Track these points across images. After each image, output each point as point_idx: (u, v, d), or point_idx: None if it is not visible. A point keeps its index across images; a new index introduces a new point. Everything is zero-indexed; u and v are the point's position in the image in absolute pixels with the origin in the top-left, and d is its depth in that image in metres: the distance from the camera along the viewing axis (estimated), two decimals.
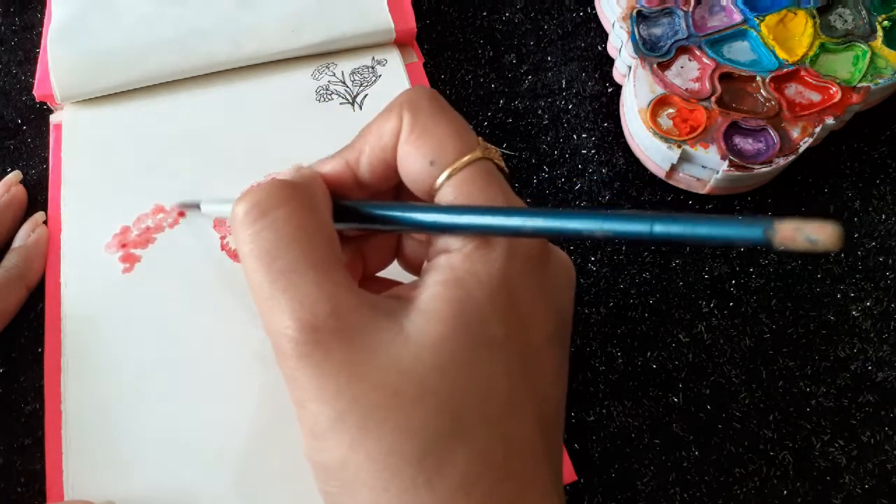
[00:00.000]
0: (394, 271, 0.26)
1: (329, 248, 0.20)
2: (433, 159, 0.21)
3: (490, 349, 0.20)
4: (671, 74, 0.37)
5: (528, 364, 0.21)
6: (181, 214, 0.35)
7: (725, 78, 0.37)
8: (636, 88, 0.37)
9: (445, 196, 0.21)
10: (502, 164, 0.22)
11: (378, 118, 0.22)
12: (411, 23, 0.40)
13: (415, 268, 0.25)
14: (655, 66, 0.37)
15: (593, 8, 0.43)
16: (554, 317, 0.22)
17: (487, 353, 0.20)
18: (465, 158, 0.21)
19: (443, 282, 0.20)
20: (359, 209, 0.22)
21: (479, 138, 0.22)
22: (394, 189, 0.24)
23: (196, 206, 0.33)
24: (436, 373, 0.19)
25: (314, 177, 0.23)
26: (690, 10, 0.39)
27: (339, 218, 0.22)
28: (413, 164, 0.21)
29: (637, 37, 0.38)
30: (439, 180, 0.21)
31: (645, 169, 0.38)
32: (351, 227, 0.23)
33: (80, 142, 0.37)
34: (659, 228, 0.16)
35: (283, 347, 0.19)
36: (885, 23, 0.38)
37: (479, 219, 0.19)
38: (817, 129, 0.35)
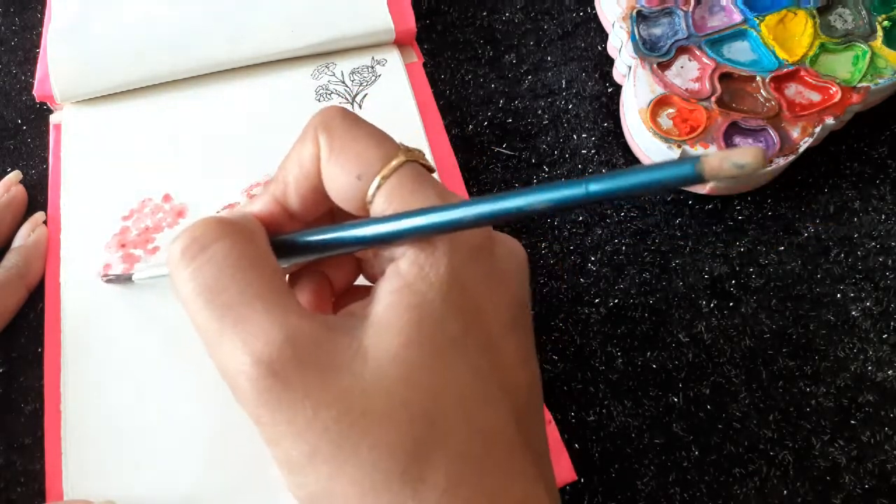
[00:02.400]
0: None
1: (273, 276, 0.20)
2: (359, 173, 0.20)
3: (451, 349, 0.19)
4: (671, 74, 0.37)
5: (491, 355, 0.20)
6: (180, 215, 0.35)
7: (725, 78, 0.37)
8: (636, 88, 0.37)
9: (379, 206, 0.20)
10: (428, 163, 0.21)
11: (294, 147, 0.22)
12: (411, 23, 0.40)
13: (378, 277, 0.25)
14: (655, 66, 0.37)
15: (593, 8, 0.43)
16: (509, 303, 0.21)
17: (449, 353, 0.19)
18: (391, 165, 0.20)
19: (394, 290, 0.20)
20: (296, 241, 0.22)
21: (400, 142, 0.21)
22: (328, 215, 0.24)
23: (128, 278, 0.33)
24: (401, 383, 0.19)
25: (246, 214, 0.22)
26: (690, 10, 0.39)
27: (278, 254, 0.21)
28: (340, 183, 0.21)
29: (637, 37, 0.38)
30: (370, 192, 0.20)
31: None
32: (294, 262, 0.23)
33: (80, 142, 0.37)
34: (594, 187, 0.16)
35: (241, 387, 0.19)
36: (885, 23, 0.38)
37: (420, 220, 0.19)
38: (817, 129, 0.35)
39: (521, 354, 0.22)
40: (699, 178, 0.15)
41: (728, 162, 0.14)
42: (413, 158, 0.21)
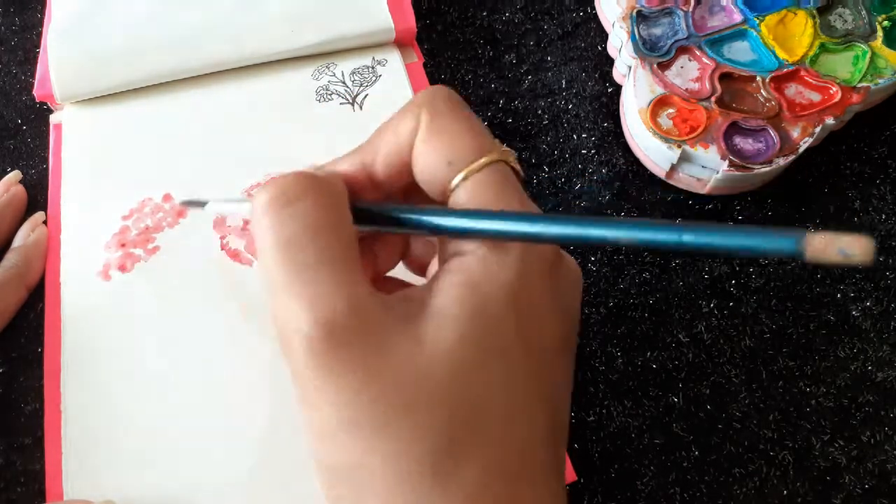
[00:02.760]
0: (398, 270, 0.26)
1: (350, 246, 0.20)
2: (451, 159, 0.20)
3: (505, 357, 0.19)
4: (671, 74, 0.37)
5: (541, 371, 0.20)
6: (180, 214, 0.35)
7: (725, 78, 0.37)
8: (636, 88, 0.37)
9: (460, 197, 0.20)
10: (518, 167, 0.21)
11: (395, 117, 0.22)
12: (411, 23, 0.40)
13: (420, 268, 0.25)
14: (655, 66, 0.37)
15: (593, 8, 0.43)
16: (564, 323, 0.22)
17: (502, 360, 0.19)
18: (483, 160, 0.20)
19: (458, 285, 0.20)
20: (376, 211, 0.22)
21: (496, 140, 0.21)
22: (404, 190, 0.24)
23: (201, 205, 0.33)
24: (452, 378, 0.19)
25: (335, 174, 0.22)
26: (690, 10, 0.39)
27: (355, 219, 0.21)
28: (430, 164, 0.21)
29: (637, 37, 0.38)
30: (455, 181, 0.20)
31: (645, 169, 0.38)
32: (368, 230, 0.23)
33: (80, 142, 0.37)
34: (688, 238, 0.16)
35: (295, 345, 0.19)
36: (885, 23, 0.38)
37: (500, 224, 0.19)
38: (817, 129, 0.35)
39: (566, 376, 0.22)
40: (799, 256, 0.14)
41: (834, 247, 0.14)
42: (505, 159, 0.21)
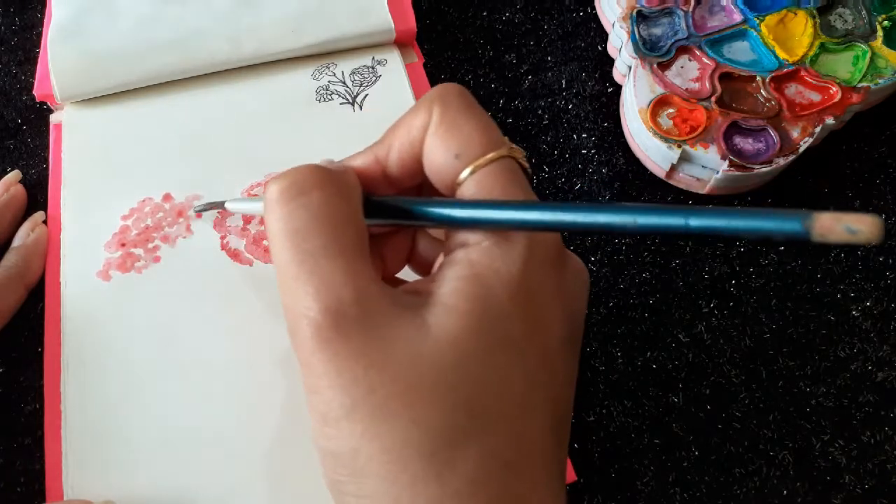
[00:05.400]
0: (404, 273, 0.26)
1: (358, 238, 0.21)
2: (458, 153, 0.21)
3: (508, 348, 0.20)
4: (671, 74, 0.37)
5: (544, 365, 0.21)
6: (180, 214, 0.35)
7: (725, 78, 0.37)
8: (636, 88, 0.37)
9: (467, 190, 0.21)
10: (526, 164, 0.22)
11: (408, 113, 0.22)
12: (411, 23, 0.40)
13: (425, 269, 0.25)
14: (655, 66, 0.37)
15: (593, 8, 0.43)
16: (568, 320, 0.22)
17: (506, 352, 0.20)
18: (490, 155, 0.21)
19: (463, 277, 0.20)
20: (386, 204, 0.22)
21: (506, 137, 0.22)
22: (418, 187, 0.24)
23: (219, 206, 0.33)
24: (454, 369, 0.19)
25: (348, 169, 0.23)
26: (690, 10, 0.39)
27: (366, 214, 0.22)
28: (438, 157, 0.21)
29: (637, 37, 0.38)
30: (463, 175, 0.21)
31: (645, 169, 0.38)
32: (378, 223, 0.23)
33: (80, 142, 0.37)
34: (695, 222, 0.16)
35: (302, 330, 0.19)
36: (885, 23, 0.38)
37: (504, 213, 0.19)
38: (817, 129, 0.35)
39: (569, 371, 0.22)
40: (805, 236, 0.14)
41: (841, 225, 0.14)
42: (513, 156, 0.21)
